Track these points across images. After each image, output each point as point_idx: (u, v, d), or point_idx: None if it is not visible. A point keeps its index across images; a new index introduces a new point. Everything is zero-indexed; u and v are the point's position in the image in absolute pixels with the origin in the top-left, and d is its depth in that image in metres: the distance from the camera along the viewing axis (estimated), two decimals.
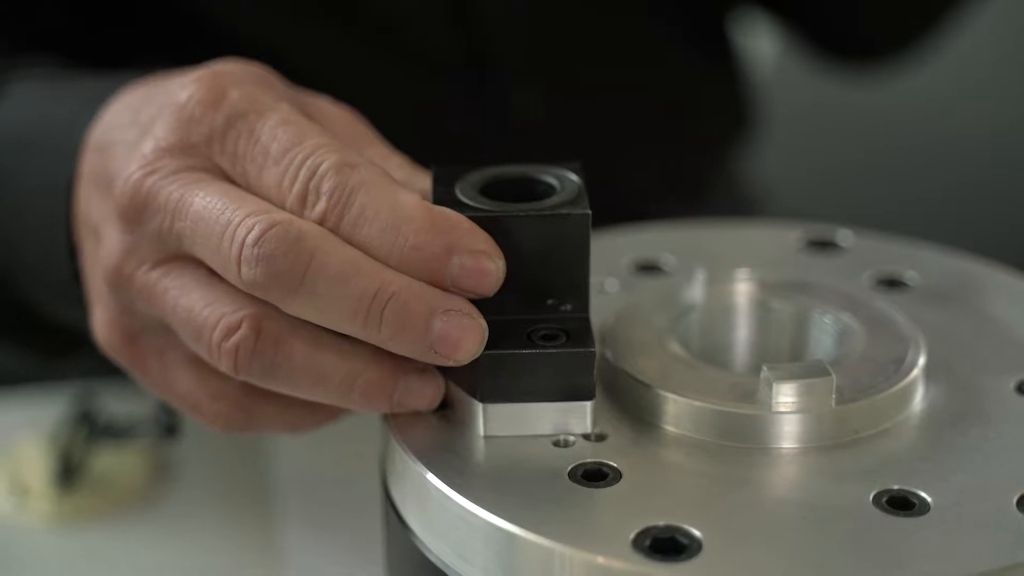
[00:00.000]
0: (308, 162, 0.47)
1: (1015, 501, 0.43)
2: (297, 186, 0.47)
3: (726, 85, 0.94)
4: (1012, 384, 0.49)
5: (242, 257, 0.45)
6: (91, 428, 0.72)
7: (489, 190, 0.48)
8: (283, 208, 0.47)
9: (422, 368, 0.47)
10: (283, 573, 0.67)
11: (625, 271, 0.57)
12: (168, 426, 0.68)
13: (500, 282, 0.47)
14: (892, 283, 0.55)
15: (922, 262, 0.56)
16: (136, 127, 0.51)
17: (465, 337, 0.45)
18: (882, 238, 0.58)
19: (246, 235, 0.45)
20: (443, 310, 0.45)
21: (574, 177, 0.48)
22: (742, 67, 0.96)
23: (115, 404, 0.72)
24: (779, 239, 0.59)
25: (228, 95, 0.49)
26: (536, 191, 0.48)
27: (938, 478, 0.44)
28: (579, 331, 0.47)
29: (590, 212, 0.47)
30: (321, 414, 0.51)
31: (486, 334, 0.46)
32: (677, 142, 0.91)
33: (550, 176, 0.49)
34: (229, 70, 0.51)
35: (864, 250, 0.58)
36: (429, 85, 0.81)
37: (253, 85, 0.50)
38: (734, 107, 0.95)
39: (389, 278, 0.45)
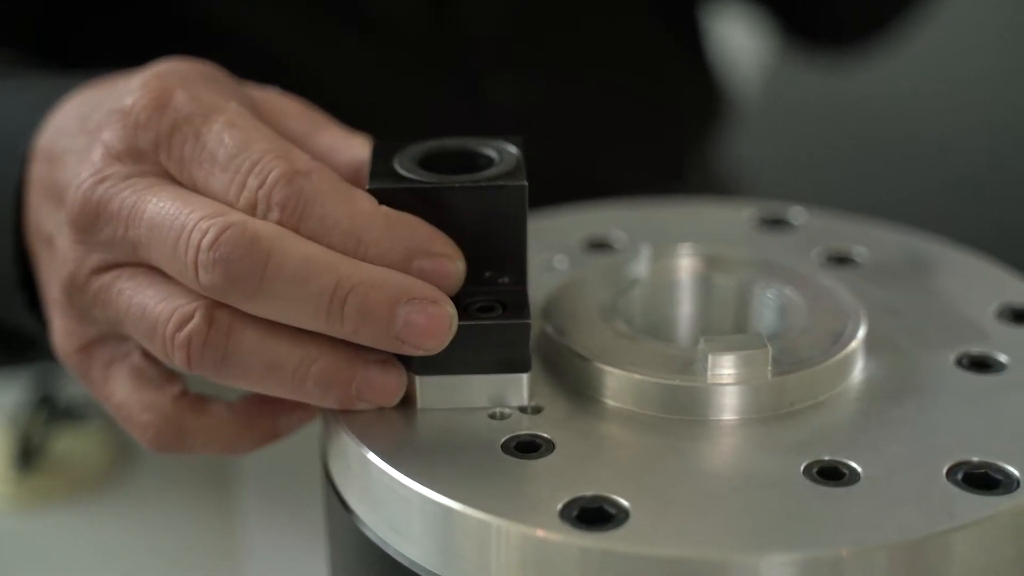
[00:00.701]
0: (256, 169, 0.46)
1: (944, 472, 0.43)
2: (246, 194, 0.46)
3: (699, 72, 0.94)
4: (952, 358, 0.48)
5: (199, 262, 0.45)
6: (51, 411, 0.72)
7: (428, 163, 0.48)
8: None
9: (383, 359, 0.47)
10: (243, 554, 0.67)
11: (576, 248, 0.57)
12: None
13: (460, 283, 0.46)
14: (841, 259, 0.55)
15: (872, 239, 0.56)
16: (84, 134, 0.50)
17: (432, 325, 0.45)
18: (833, 216, 0.58)
19: (201, 239, 0.45)
20: (407, 299, 0.45)
21: (513, 150, 0.48)
22: (715, 54, 0.96)
23: (75, 387, 0.72)
24: (732, 217, 0.59)
25: (173, 98, 0.48)
26: (475, 164, 0.48)
27: (870, 449, 0.44)
28: (515, 303, 0.47)
29: (526, 184, 0.46)
30: (258, 433, 0.50)
31: (455, 321, 0.45)
32: (651, 128, 0.91)
33: (490, 149, 0.48)
34: (175, 70, 0.50)
35: (815, 228, 0.57)
36: (405, 72, 0.81)
37: (199, 85, 0.49)
38: (707, 94, 0.95)
39: (348, 271, 0.45)
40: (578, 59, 0.86)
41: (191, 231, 0.45)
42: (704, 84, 0.94)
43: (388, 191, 0.46)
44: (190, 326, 0.46)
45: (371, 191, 0.46)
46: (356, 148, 0.50)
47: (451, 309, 0.45)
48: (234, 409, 0.50)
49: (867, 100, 1.58)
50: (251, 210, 0.46)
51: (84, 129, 0.50)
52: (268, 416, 0.50)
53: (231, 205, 0.46)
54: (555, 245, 0.56)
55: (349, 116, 0.55)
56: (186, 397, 0.50)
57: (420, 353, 0.45)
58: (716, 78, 0.95)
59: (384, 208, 0.46)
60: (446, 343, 0.45)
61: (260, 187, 0.46)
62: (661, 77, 0.91)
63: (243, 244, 0.44)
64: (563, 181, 0.68)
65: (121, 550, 0.69)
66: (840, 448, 0.44)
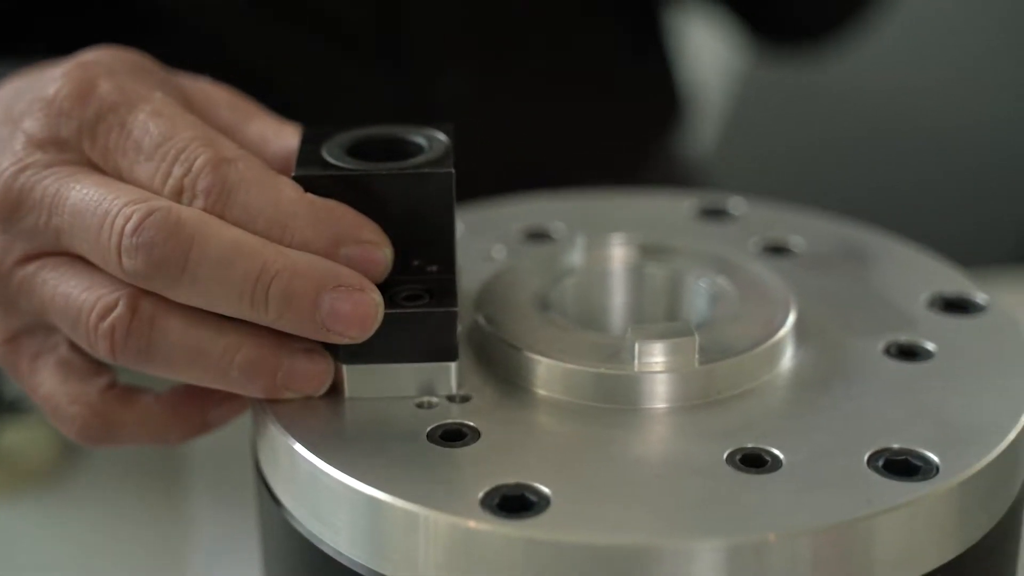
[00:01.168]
0: (182, 157, 0.46)
1: (866, 458, 0.42)
2: (171, 182, 0.46)
3: (656, 72, 0.94)
4: (880, 346, 0.48)
5: (122, 247, 0.45)
6: None
7: (357, 150, 0.48)
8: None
9: (309, 348, 0.46)
10: (190, 547, 0.67)
11: (515, 239, 0.57)
12: None
13: (387, 271, 0.46)
14: (778, 249, 0.55)
15: (809, 230, 0.56)
16: (7, 123, 0.50)
17: (357, 313, 0.45)
18: (772, 207, 0.58)
19: (124, 224, 0.45)
20: (332, 286, 0.45)
21: (442, 137, 0.48)
22: (675, 54, 0.96)
23: None
24: (673, 208, 0.59)
25: (97, 87, 0.48)
26: (405, 151, 0.48)
27: (794, 436, 0.44)
28: (443, 291, 0.46)
29: (453, 171, 0.46)
30: (188, 423, 0.50)
31: (381, 309, 0.45)
32: (605, 128, 0.91)
33: (419, 136, 0.48)
34: (100, 59, 0.50)
35: (754, 218, 0.57)
36: (351, 69, 0.81)
37: (125, 74, 0.49)
38: (666, 89, 0.95)
39: (272, 257, 0.45)
40: (528, 59, 0.85)
41: (114, 217, 0.45)
42: (661, 84, 0.94)
43: (314, 178, 0.46)
44: (113, 315, 0.46)
45: (296, 178, 0.46)
46: (286, 137, 0.50)
47: (377, 297, 0.45)
48: (163, 400, 0.50)
49: (833, 97, 1.58)
50: (176, 197, 0.46)
51: (8, 118, 0.50)
52: (198, 407, 0.50)
53: (157, 193, 0.46)
54: (494, 235, 0.56)
55: (294, 112, 0.54)
56: (114, 389, 0.50)
57: (345, 341, 0.45)
58: (674, 78, 0.95)
59: (310, 196, 0.46)
60: (371, 331, 0.45)
61: (185, 175, 0.46)
62: (615, 77, 0.91)
63: (167, 229, 0.44)
64: (513, 181, 0.67)
65: (68, 544, 0.68)
66: (764, 435, 0.44)
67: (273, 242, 0.45)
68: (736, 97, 1.56)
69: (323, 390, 0.46)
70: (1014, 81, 1.67)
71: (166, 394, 0.50)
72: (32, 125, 0.48)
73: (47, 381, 0.50)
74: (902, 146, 1.63)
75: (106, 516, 0.70)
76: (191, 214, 0.45)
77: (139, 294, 0.46)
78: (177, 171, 0.46)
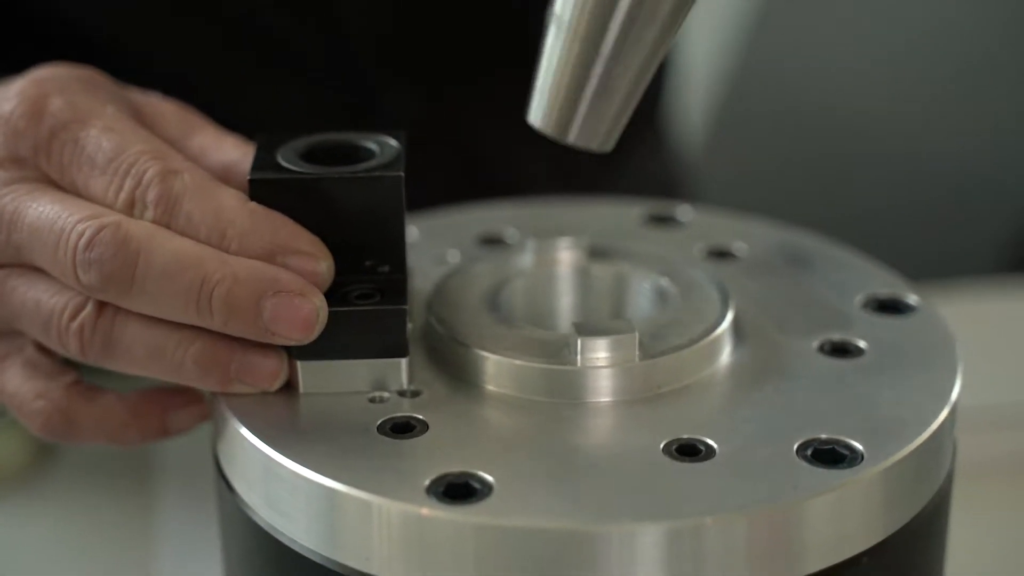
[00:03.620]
0: (133, 170, 0.48)
1: (795, 448, 0.45)
2: (123, 195, 0.48)
3: None
4: (815, 344, 0.50)
5: (76, 262, 0.47)
6: None
7: (310, 155, 0.50)
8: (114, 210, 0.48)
9: (263, 344, 0.48)
10: (160, 547, 0.69)
11: (469, 244, 0.59)
12: None
13: (327, 281, 0.48)
14: (722, 254, 0.57)
15: (752, 235, 0.58)
16: None
17: (298, 317, 0.47)
18: (718, 214, 0.60)
19: (78, 241, 0.47)
20: (272, 292, 0.47)
21: (394, 143, 0.50)
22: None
23: None
24: (622, 214, 0.61)
25: (50, 105, 0.50)
26: (357, 156, 0.50)
27: (728, 428, 0.46)
28: (393, 290, 0.48)
29: (403, 175, 0.48)
30: (147, 426, 0.52)
31: (323, 312, 0.47)
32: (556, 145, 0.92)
33: (371, 142, 0.50)
34: (52, 76, 0.52)
35: (700, 224, 0.60)
36: (301, 90, 0.82)
37: (77, 91, 0.51)
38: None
39: (214, 267, 0.47)
40: (470, 70, 0.87)
41: (69, 233, 0.47)
42: None
43: (268, 181, 0.48)
44: (82, 315, 0.48)
45: (252, 181, 0.48)
46: (227, 149, 0.53)
47: (318, 301, 0.47)
48: (125, 400, 0.52)
49: (815, 116, 1.61)
50: (128, 209, 0.48)
51: None
52: (157, 410, 0.52)
53: (110, 206, 0.48)
54: (449, 240, 0.58)
55: (241, 129, 0.56)
56: (78, 386, 0.52)
57: (291, 343, 0.47)
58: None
59: (251, 204, 0.48)
60: (315, 334, 0.47)
61: (136, 187, 0.48)
62: None
63: (115, 244, 0.47)
64: (470, 192, 0.69)
65: (39, 544, 0.70)
66: (700, 427, 0.46)
67: (216, 250, 0.47)
68: (720, 114, 1.59)
69: (277, 384, 0.48)
70: (994, 103, 1.70)
71: (129, 394, 0.52)
72: None
73: (13, 379, 0.52)
74: (884, 164, 1.66)
75: (76, 517, 0.71)
76: (138, 228, 0.47)
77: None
78: (128, 183, 0.48)
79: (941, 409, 0.47)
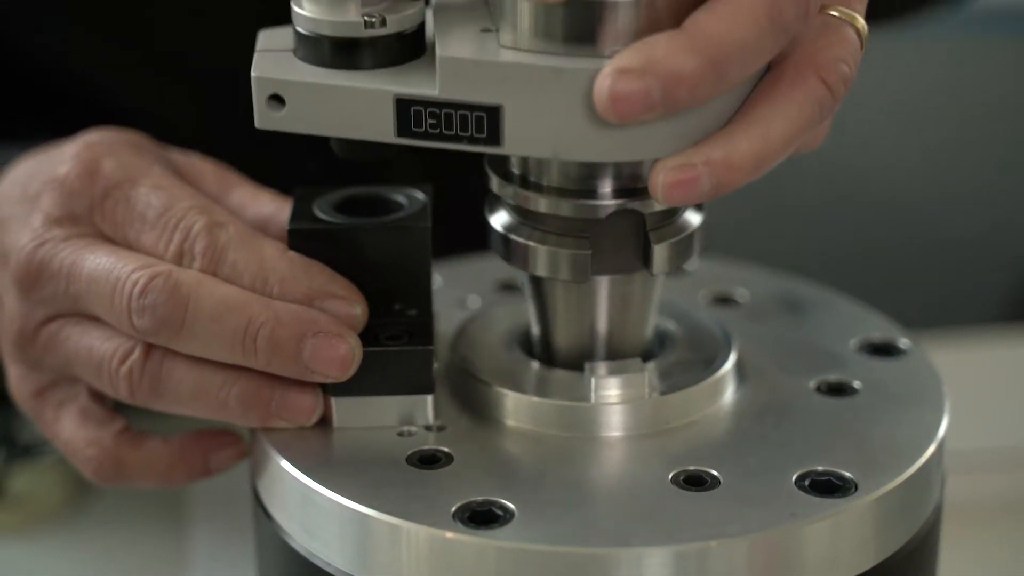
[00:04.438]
0: (181, 224, 0.52)
1: (793, 479, 0.48)
2: (173, 247, 0.52)
3: None
4: (812, 384, 0.54)
5: (131, 308, 0.51)
6: (9, 449, 0.77)
7: (344, 207, 0.54)
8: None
9: (300, 382, 0.52)
10: None
11: (489, 289, 0.62)
12: None
13: (361, 324, 0.52)
14: (725, 300, 0.61)
15: (753, 283, 0.62)
16: (24, 202, 0.56)
17: (337, 356, 0.51)
18: (721, 262, 0.64)
19: (132, 288, 0.51)
20: (312, 333, 0.51)
21: (421, 196, 0.54)
22: None
23: (32, 427, 0.77)
24: None
25: (102, 167, 0.54)
26: (387, 208, 0.54)
27: (732, 460, 0.49)
28: (420, 332, 0.52)
29: (429, 226, 0.52)
30: (191, 467, 0.56)
31: (358, 351, 0.51)
32: None
33: (400, 195, 0.54)
34: (102, 140, 0.56)
35: (704, 272, 0.63)
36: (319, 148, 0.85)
37: (126, 153, 0.55)
38: None
39: (258, 310, 0.51)
40: None
41: (124, 282, 0.51)
42: None
43: (306, 231, 0.52)
44: (131, 359, 0.52)
45: (291, 231, 0.52)
46: (263, 203, 0.57)
47: (354, 341, 0.51)
48: (169, 444, 0.56)
49: (818, 166, 1.64)
50: (178, 259, 0.52)
51: (24, 197, 0.56)
52: (200, 452, 0.56)
53: (161, 257, 0.52)
54: (469, 286, 0.62)
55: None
56: (126, 433, 0.56)
57: (329, 380, 0.51)
58: None
59: (290, 253, 0.52)
60: (351, 372, 0.51)
61: (184, 239, 0.52)
62: None
63: (166, 290, 0.51)
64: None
65: None
66: (705, 460, 0.49)
67: (260, 296, 0.51)
68: None
69: (314, 420, 0.52)
70: (992, 156, 1.74)
71: (172, 439, 0.56)
72: (48, 203, 0.54)
73: (68, 427, 0.56)
74: (884, 217, 1.70)
75: (111, 553, 0.74)
76: (188, 276, 0.51)
77: (152, 343, 0.52)
78: (177, 236, 0.52)
79: (929, 444, 0.50)
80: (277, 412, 0.52)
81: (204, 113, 0.79)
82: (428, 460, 0.50)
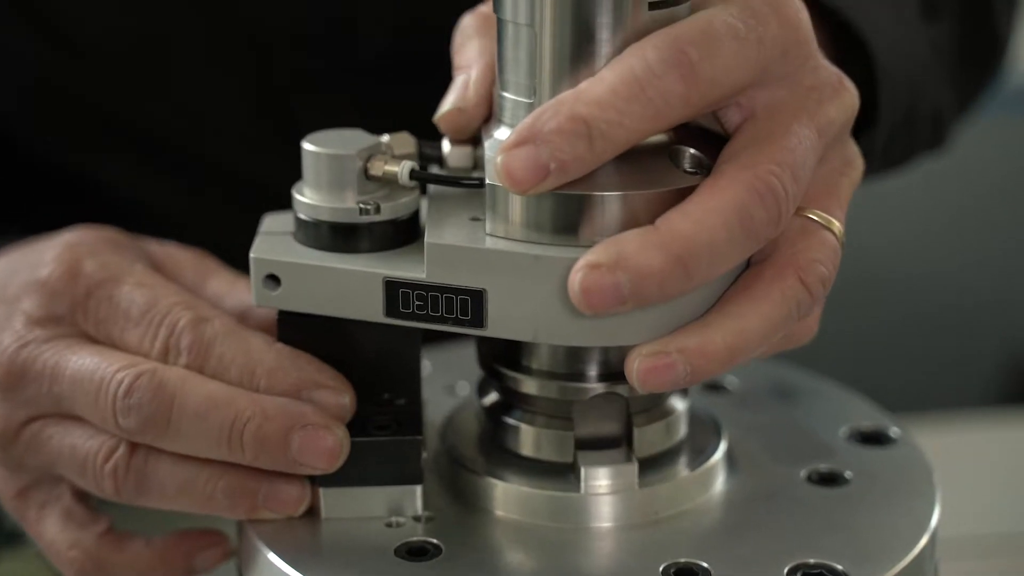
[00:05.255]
0: (166, 320, 0.52)
1: (785, 571, 0.48)
2: (159, 343, 0.52)
3: None
4: (803, 473, 0.54)
5: (116, 408, 0.51)
6: None
7: None
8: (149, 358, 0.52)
9: (286, 473, 0.52)
10: None
11: (478, 376, 0.62)
12: None
13: (349, 413, 0.52)
14: (714, 387, 0.61)
15: (742, 370, 0.62)
16: (4, 304, 0.56)
17: (324, 447, 0.50)
18: None
19: (117, 388, 0.51)
20: (300, 426, 0.50)
21: None
22: None
23: None
24: None
25: (84, 267, 0.54)
26: None
27: (723, 551, 0.49)
28: (409, 421, 0.52)
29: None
30: (173, 567, 0.55)
31: (346, 443, 0.51)
32: None
33: None
34: (82, 240, 0.56)
35: None
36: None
37: (107, 252, 0.56)
38: None
39: (244, 405, 0.51)
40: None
41: (109, 381, 0.51)
42: None
43: (296, 318, 0.52)
44: (115, 456, 0.52)
45: (281, 317, 0.52)
46: (240, 292, 0.57)
47: (341, 432, 0.51)
48: (152, 545, 0.55)
49: None
50: (164, 356, 0.52)
51: (3, 299, 0.56)
52: (183, 552, 0.55)
53: (146, 354, 0.52)
54: (458, 372, 0.62)
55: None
56: (109, 534, 0.56)
57: (316, 473, 0.51)
58: None
59: (277, 345, 0.52)
60: (339, 463, 0.51)
61: (170, 335, 0.52)
62: None
63: (152, 389, 0.51)
64: None
65: None
66: (696, 551, 0.49)
67: (245, 387, 0.51)
68: None
69: (301, 510, 0.52)
70: (984, 238, 1.75)
71: (156, 539, 0.56)
72: (29, 305, 0.54)
73: (50, 529, 0.56)
74: (876, 299, 1.70)
75: None
76: (173, 374, 0.51)
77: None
78: (163, 332, 0.52)
79: (921, 535, 0.50)
80: (264, 504, 0.51)
81: (198, 203, 0.80)
82: (417, 552, 0.50)
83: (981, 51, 0.81)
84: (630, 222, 0.47)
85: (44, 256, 0.56)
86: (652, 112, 0.46)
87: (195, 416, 0.50)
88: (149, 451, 0.52)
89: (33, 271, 0.55)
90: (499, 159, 0.46)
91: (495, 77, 0.51)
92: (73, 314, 0.54)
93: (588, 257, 0.46)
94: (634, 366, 0.47)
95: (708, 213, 0.46)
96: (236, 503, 0.52)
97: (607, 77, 0.46)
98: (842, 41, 0.62)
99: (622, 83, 0.46)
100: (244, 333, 0.52)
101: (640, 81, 0.46)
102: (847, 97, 0.51)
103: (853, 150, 0.53)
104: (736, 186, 0.46)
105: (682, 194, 0.47)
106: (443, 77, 0.54)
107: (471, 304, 0.49)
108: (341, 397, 0.51)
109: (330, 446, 0.50)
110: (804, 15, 0.49)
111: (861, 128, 0.64)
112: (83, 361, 0.52)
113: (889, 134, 0.65)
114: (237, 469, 0.51)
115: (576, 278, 0.46)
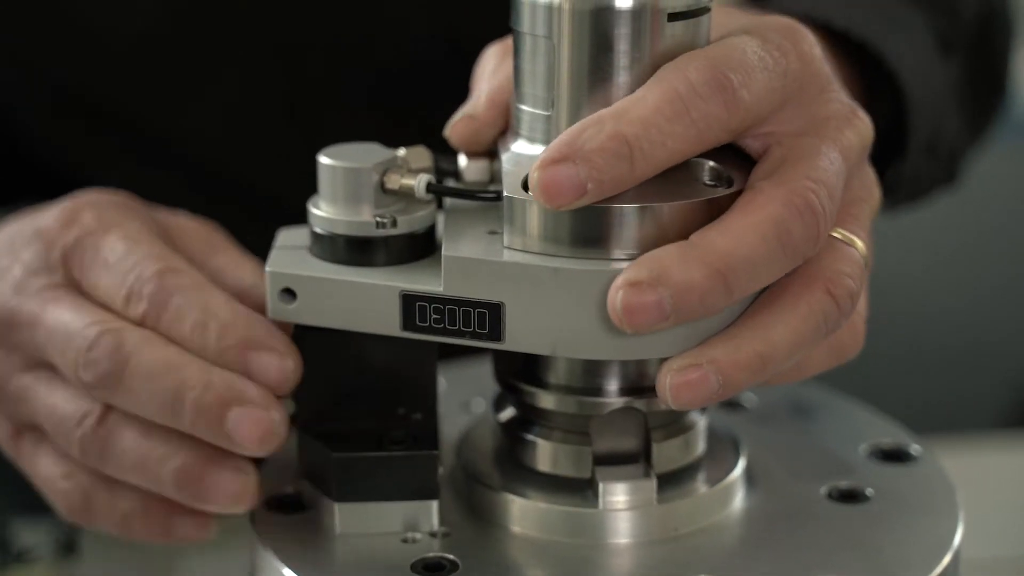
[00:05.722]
0: (136, 269, 0.53)
1: None
2: (123, 290, 0.53)
3: None
4: (823, 490, 0.53)
5: (78, 361, 0.52)
6: (3, 555, 0.75)
7: None
8: (119, 312, 0.53)
9: (237, 466, 0.52)
10: None
11: (493, 392, 0.62)
12: (65, 544, 0.72)
13: (293, 380, 0.52)
14: (732, 405, 0.60)
15: (761, 388, 0.61)
16: (9, 255, 0.57)
17: (256, 428, 0.51)
18: None
19: (83, 343, 0.52)
20: (239, 402, 0.51)
21: None
22: None
23: (26, 534, 0.76)
24: None
25: (82, 217, 0.56)
26: None
27: (742, 568, 0.49)
28: (425, 436, 0.51)
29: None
30: (152, 523, 0.55)
31: (282, 427, 0.51)
32: None
33: None
34: (90, 197, 0.58)
35: None
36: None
37: (109, 208, 0.57)
38: None
39: (191, 374, 0.51)
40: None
41: (76, 336, 0.53)
42: None
43: (313, 332, 0.51)
44: (85, 423, 0.53)
45: (297, 331, 0.52)
46: (244, 272, 0.57)
47: (276, 415, 0.51)
48: (138, 491, 0.55)
49: None
50: (126, 302, 0.53)
51: (11, 251, 0.57)
52: (165, 509, 0.55)
53: (113, 301, 0.53)
54: (474, 389, 0.61)
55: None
56: (101, 473, 0.55)
57: (251, 454, 0.51)
58: None
59: (235, 303, 0.52)
60: (272, 448, 0.51)
61: (135, 282, 0.53)
62: None
63: (111, 347, 0.52)
64: None
65: None
66: (714, 568, 0.49)
67: (197, 343, 0.52)
68: None
69: (242, 508, 0.52)
70: (999, 261, 1.74)
71: (145, 491, 0.55)
72: (28, 255, 0.56)
73: (45, 461, 0.57)
74: (891, 318, 1.70)
75: None
76: (134, 335, 0.52)
77: (107, 408, 0.53)
78: (130, 279, 0.53)
79: (944, 555, 0.49)
80: (207, 494, 0.52)
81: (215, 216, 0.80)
82: (433, 568, 0.49)
83: (989, 85, 0.82)
84: (650, 235, 0.47)
85: (52, 208, 0.57)
86: (694, 134, 0.46)
87: (145, 377, 0.51)
88: (117, 422, 0.53)
89: (35, 221, 0.57)
90: (535, 174, 0.46)
91: (511, 90, 0.50)
92: (64, 261, 0.55)
93: (627, 275, 0.45)
94: (666, 381, 0.46)
95: (746, 229, 0.46)
96: (182, 488, 0.52)
97: (650, 97, 0.46)
98: (868, 71, 0.63)
99: (667, 103, 0.46)
100: (209, 290, 0.53)
101: (685, 102, 0.46)
102: (861, 126, 0.51)
103: (871, 177, 0.53)
104: (774, 203, 0.46)
105: (704, 206, 0.47)
106: (468, 89, 0.54)
107: (489, 317, 0.48)
108: (285, 360, 0.51)
109: (264, 427, 0.51)
110: (817, 51, 0.50)
111: (888, 158, 0.64)
112: (59, 313, 0.54)
113: (914, 164, 0.65)
114: (189, 454, 0.52)
115: (617, 297, 0.45)
